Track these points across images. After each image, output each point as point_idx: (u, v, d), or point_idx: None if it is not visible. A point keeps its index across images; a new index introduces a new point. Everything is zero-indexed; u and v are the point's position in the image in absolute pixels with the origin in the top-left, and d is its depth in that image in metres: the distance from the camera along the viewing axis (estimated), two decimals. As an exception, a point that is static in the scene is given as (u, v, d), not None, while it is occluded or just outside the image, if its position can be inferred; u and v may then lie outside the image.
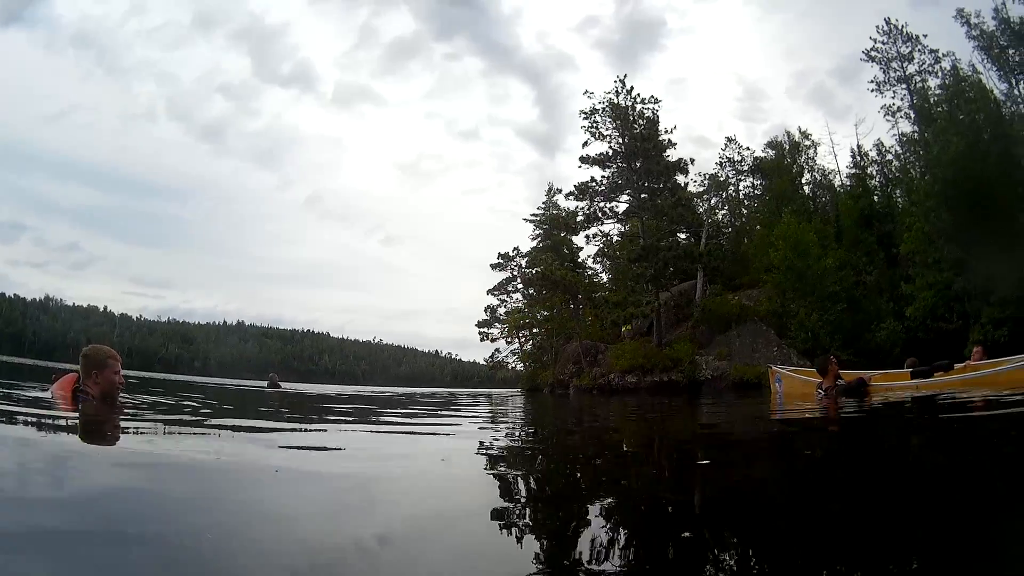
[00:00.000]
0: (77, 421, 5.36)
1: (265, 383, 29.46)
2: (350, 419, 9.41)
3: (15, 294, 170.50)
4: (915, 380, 12.92)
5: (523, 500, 3.36)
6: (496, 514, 2.84)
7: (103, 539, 2.07)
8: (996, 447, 4.86)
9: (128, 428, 5.36)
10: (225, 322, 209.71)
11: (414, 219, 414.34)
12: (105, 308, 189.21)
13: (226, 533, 2.30)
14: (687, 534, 2.58)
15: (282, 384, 29.84)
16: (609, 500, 3.30)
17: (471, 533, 2.60)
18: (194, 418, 7.35)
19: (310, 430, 7.18)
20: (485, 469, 4.41)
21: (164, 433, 5.34)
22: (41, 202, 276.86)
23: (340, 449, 5.47)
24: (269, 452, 4.70)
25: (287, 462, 4.11)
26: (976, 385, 11.53)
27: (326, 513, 2.74)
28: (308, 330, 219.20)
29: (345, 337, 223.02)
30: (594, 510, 3.06)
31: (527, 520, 2.87)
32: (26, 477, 2.86)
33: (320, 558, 2.11)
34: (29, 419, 5.38)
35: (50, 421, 5.32)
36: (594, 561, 2.22)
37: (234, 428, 6.75)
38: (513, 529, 2.65)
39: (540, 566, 2.19)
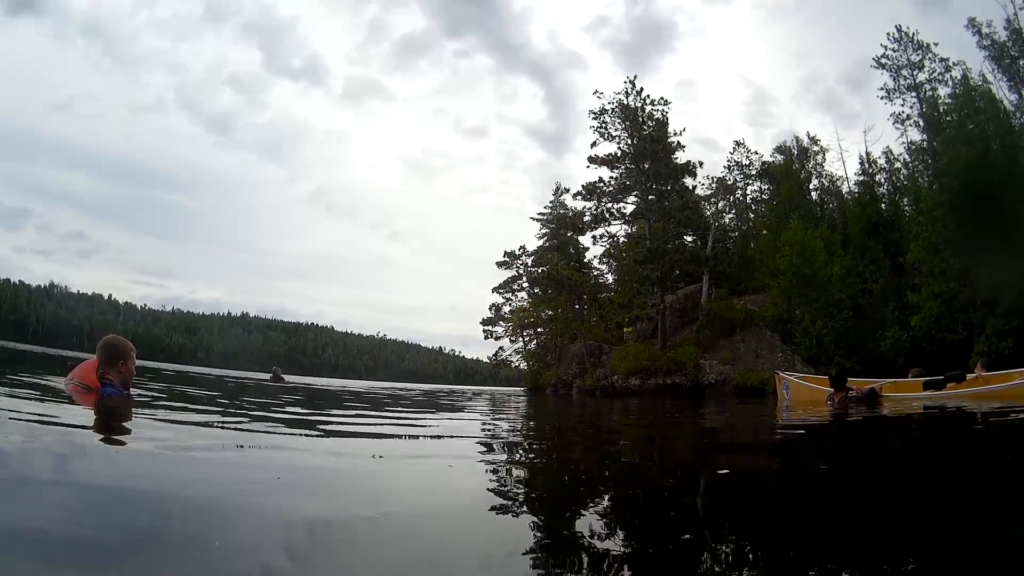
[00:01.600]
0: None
1: (268, 375, 29.52)
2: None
3: (20, 280, 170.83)
4: (927, 391, 12.93)
5: (524, 501, 3.44)
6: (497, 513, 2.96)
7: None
8: (1003, 460, 4.91)
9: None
10: (229, 313, 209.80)
11: (419, 215, 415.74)
12: (110, 296, 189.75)
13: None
14: (687, 535, 2.67)
15: (285, 377, 29.84)
16: (608, 505, 3.38)
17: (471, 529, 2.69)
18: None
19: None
20: (489, 479, 4.50)
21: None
22: (47, 189, 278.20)
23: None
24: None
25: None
26: (989, 398, 11.54)
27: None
28: (312, 323, 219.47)
29: (349, 331, 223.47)
30: (593, 516, 3.07)
31: (529, 518, 2.99)
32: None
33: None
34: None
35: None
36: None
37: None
38: (514, 527, 2.75)
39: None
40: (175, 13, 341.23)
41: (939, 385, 13.05)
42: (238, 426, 6.09)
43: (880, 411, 10.52)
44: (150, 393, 9.09)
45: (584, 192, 46.81)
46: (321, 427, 7.03)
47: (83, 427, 4.73)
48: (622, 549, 2.46)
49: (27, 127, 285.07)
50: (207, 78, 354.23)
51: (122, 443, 3.99)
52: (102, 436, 4.12)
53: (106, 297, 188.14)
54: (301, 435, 5.90)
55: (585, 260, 59.79)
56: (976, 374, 13.48)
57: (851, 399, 11.18)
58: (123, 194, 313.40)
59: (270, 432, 5.65)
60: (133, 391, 6.67)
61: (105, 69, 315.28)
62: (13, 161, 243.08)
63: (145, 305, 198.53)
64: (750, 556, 2.41)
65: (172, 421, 5.80)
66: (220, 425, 5.69)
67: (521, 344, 64.94)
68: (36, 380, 9.12)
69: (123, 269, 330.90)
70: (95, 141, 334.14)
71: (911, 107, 41.43)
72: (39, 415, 4.81)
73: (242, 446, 3.93)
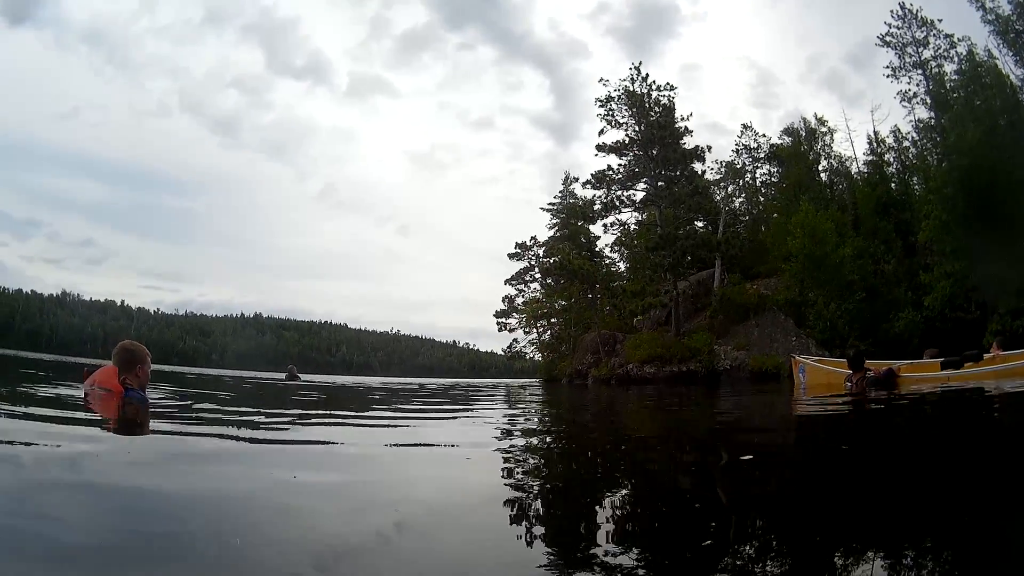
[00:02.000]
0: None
1: (283, 375, 29.17)
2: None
3: (32, 290, 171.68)
4: (945, 371, 13.02)
5: (538, 490, 3.61)
6: (512, 505, 3.10)
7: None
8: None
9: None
10: (242, 314, 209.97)
11: (428, 209, 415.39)
12: (122, 302, 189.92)
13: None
14: (712, 527, 2.76)
15: (300, 376, 29.57)
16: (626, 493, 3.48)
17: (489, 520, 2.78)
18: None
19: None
20: (505, 469, 4.59)
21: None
22: (55, 199, 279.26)
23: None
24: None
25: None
26: (1008, 376, 11.60)
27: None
28: (325, 321, 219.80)
29: (362, 328, 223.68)
30: (611, 522, 3.01)
31: (542, 509, 3.18)
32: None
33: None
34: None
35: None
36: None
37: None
38: (528, 519, 2.90)
39: (553, 552, 2.39)
40: (176, 18, 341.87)
41: (957, 365, 13.16)
42: (252, 431, 6.30)
43: (898, 391, 10.58)
44: (174, 399, 9.25)
45: (593, 180, 46.96)
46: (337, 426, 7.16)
47: (105, 432, 4.92)
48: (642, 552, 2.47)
49: (33, 138, 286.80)
50: (210, 81, 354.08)
51: (143, 447, 4.16)
52: (124, 440, 4.30)
53: (118, 303, 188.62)
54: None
55: (596, 249, 59.74)
56: (992, 353, 13.54)
57: (869, 380, 11.27)
58: (131, 200, 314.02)
59: (291, 441, 5.77)
60: (149, 394, 6.93)
61: (108, 76, 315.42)
62: (20, 172, 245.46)
63: (158, 309, 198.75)
64: (772, 553, 2.49)
65: (193, 426, 6.05)
66: (235, 436, 5.80)
67: (535, 335, 65.05)
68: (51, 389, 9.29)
69: (134, 274, 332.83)
70: (101, 149, 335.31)
71: (917, 84, 41.17)
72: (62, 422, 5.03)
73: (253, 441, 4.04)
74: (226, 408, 8.93)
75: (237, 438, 5.37)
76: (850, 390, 11.35)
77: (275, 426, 6.95)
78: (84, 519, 2.40)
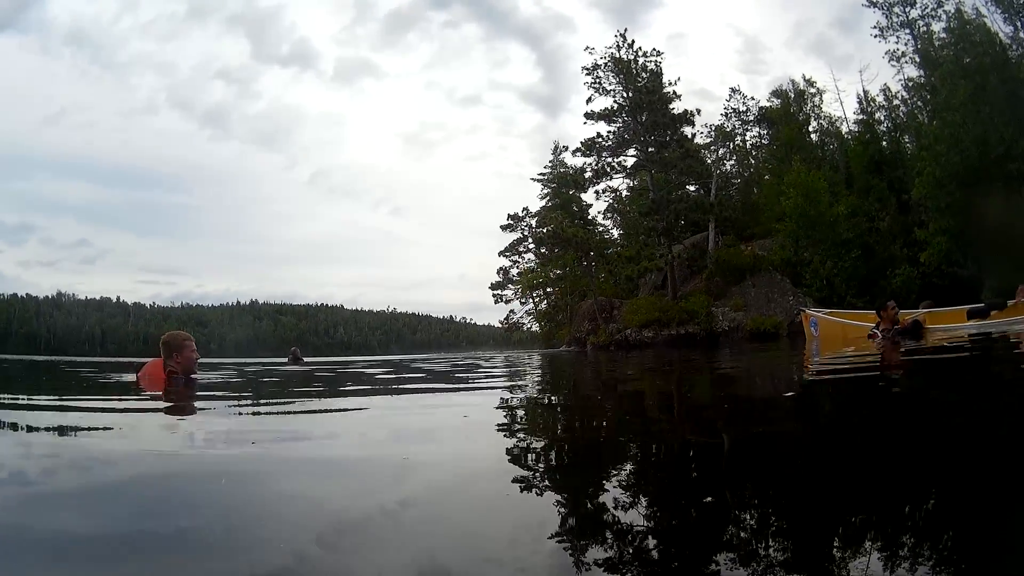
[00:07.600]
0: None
1: (287, 359, 28.20)
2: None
3: (27, 293, 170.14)
4: (972, 320, 13.18)
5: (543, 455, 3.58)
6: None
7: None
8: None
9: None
10: (239, 302, 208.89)
11: (420, 189, 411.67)
12: (118, 298, 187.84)
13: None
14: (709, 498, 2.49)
15: (304, 359, 28.66)
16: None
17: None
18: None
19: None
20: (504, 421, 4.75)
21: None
22: (47, 202, 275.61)
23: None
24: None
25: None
26: None
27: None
28: (322, 304, 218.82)
29: (359, 308, 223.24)
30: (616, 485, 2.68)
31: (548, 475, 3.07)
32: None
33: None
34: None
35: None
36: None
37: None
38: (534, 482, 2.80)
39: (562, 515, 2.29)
40: (158, 14, 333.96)
41: (983, 314, 13.36)
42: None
43: (925, 342, 10.64)
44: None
45: (583, 148, 46.70)
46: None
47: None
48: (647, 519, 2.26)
49: (22, 143, 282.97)
50: (197, 74, 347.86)
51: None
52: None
53: (114, 300, 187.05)
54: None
55: (589, 217, 59.74)
56: (1016, 300, 13.62)
57: (896, 331, 11.31)
58: (123, 197, 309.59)
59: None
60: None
61: (94, 77, 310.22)
62: (11, 179, 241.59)
63: (154, 303, 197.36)
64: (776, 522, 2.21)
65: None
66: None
67: (532, 306, 65.22)
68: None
69: (129, 271, 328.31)
70: (90, 149, 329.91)
71: (906, 44, 41.16)
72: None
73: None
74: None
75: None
76: (878, 343, 11.29)
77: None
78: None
